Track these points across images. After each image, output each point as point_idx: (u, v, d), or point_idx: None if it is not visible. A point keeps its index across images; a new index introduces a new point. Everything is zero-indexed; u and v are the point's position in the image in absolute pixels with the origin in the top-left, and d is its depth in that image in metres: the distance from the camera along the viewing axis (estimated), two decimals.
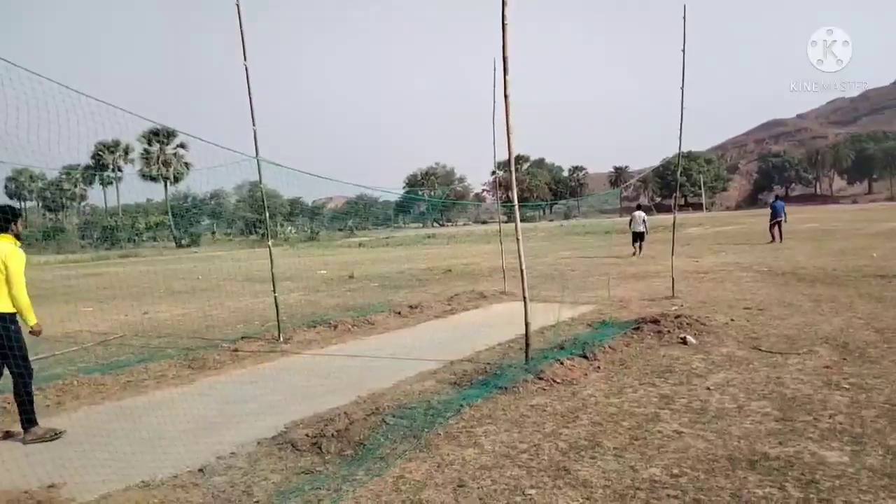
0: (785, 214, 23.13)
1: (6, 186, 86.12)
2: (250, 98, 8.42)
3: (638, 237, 21.04)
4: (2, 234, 5.14)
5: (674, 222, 12.52)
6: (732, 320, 8.53)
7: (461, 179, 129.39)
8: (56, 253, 48.87)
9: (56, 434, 5.12)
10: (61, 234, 63.01)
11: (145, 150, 66.71)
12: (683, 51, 10.35)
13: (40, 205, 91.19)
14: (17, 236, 5.27)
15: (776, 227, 23.02)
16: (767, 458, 3.95)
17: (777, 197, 25.89)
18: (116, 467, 4.35)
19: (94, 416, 5.71)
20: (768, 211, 24.20)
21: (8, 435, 5.22)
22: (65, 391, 6.47)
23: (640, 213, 21.26)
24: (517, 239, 6.66)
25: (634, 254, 20.67)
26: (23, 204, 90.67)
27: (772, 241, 22.62)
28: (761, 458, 3.95)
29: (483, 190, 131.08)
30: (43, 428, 5.15)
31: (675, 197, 15.36)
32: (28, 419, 5.08)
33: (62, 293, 16.39)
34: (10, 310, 5.01)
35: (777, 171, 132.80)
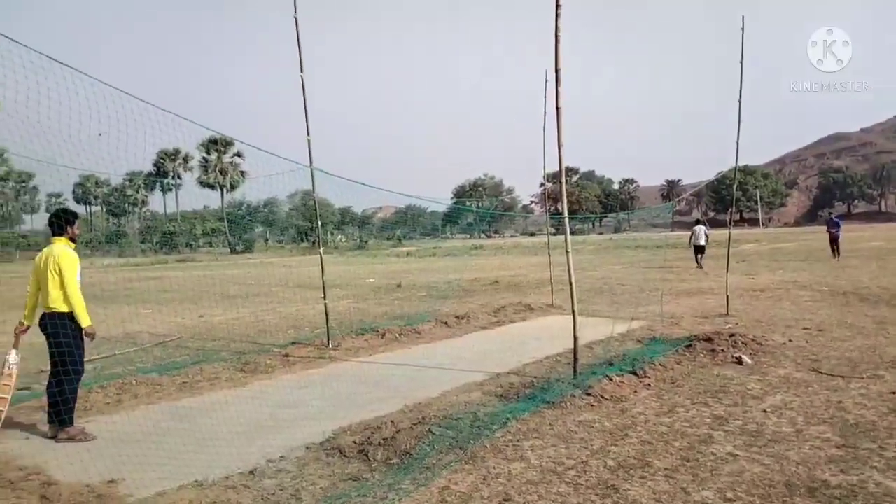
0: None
1: (74, 192, 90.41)
2: (305, 109, 8.66)
3: (699, 250, 21.52)
4: (57, 237, 5.35)
5: (729, 238, 12.19)
6: (790, 341, 8.23)
7: (509, 191, 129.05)
8: (118, 256, 50.98)
9: (87, 437, 5.18)
10: (123, 238, 65.78)
11: (204, 158, 69.04)
12: (741, 62, 10.11)
13: (104, 209, 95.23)
14: (73, 239, 5.44)
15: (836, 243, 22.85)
16: (828, 487, 3.78)
17: (831, 213, 25.99)
18: (172, 466, 4.49)
19: (151, 415, 5.91)
20: (830, 227, 23.55)
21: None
22: (124, 390, 6.72)
23: (700, 228, 21.87)
24: (566, 251, 6.60)
25: (698, 266, 20.96)
26: (88, 208, 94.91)
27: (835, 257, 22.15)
28: (821, 486, 3.79)
29: (531, 201, 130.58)
30: (76, 429, 5.23)
31: (731, 212, 14.98)
32: (68, 418, 5.19)
33: (124, 295, 17.06)
34: (67, 309, 5.18)
35: (838, 186, 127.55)
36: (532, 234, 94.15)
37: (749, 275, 18.13)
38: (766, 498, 3.66)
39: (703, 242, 21.45)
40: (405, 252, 48.83)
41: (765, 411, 5.32)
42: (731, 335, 7.97)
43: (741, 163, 11.00)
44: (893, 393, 5.72)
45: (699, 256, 21.45)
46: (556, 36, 6.20)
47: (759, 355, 7.35)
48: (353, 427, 5.28)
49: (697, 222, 22.84)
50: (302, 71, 8.58)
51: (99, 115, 5.34)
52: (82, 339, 5.30)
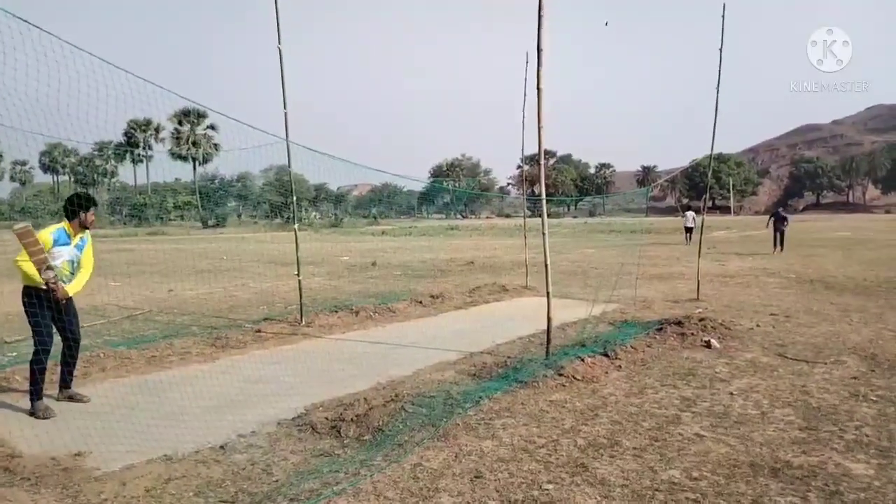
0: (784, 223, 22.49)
1: (40, 160, 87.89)
2: (283, 81, 8.50)
3: (689, 231, 27.89)
4: (68, 222, 5.33)
5: (702, 224, 12.36)
6: (758, 326, 8.41)
7: (486, 172, 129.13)
8: None
9: (47, 415, 5.00)
10: None
11: (176, 129, 67.58)
12: (721, 50, 10.15)
13: (72, 179, 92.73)
14: (84, 225, 5.40)
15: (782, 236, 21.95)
16: (790, 467, 3.89)
17: (779, 209, 24.87)
18: (140, 440, 4.43)
19: (119, 389, 5.81)
20: (792, 217, 23.09)
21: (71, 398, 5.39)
22: (91, 363, 6.59)
23: (691, 213, 29.03)
24: (543, 234, 6.62)
25: (687, 242, 26.52)
26: (55, 178, 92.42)
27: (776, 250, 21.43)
28: (784, 466, 3.90)
29: (508, 183, 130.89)
30: (39, 405, 5.05)
31: (705, 199, 15.14)
32: (32, 391, 5.07)
33: None
34: (29, 283, 5.08)
35: (809, 177, 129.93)
36: (508, 216, 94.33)
37: (719, 261, 18.45)
38: (731, 477, 3.75)
39: (691, 225, 27.78)
40: (380, 231, 48.66)
41: (731, 394, 5.43)
42: (701, 319, 8.11)
43: (715, 151, 11.09)
44: (855, 378, 5.88)
45: (688, 235, 27.50)
46: (540, 14, 6.14)
47: (728, 339, 7.50)
48: (325, 403, 5.27)
49: (689, 208, 32.41)
50: (280, 43, 8.40)
51: (69, 78, 5.14)
52: (41, 315, 5.07)
